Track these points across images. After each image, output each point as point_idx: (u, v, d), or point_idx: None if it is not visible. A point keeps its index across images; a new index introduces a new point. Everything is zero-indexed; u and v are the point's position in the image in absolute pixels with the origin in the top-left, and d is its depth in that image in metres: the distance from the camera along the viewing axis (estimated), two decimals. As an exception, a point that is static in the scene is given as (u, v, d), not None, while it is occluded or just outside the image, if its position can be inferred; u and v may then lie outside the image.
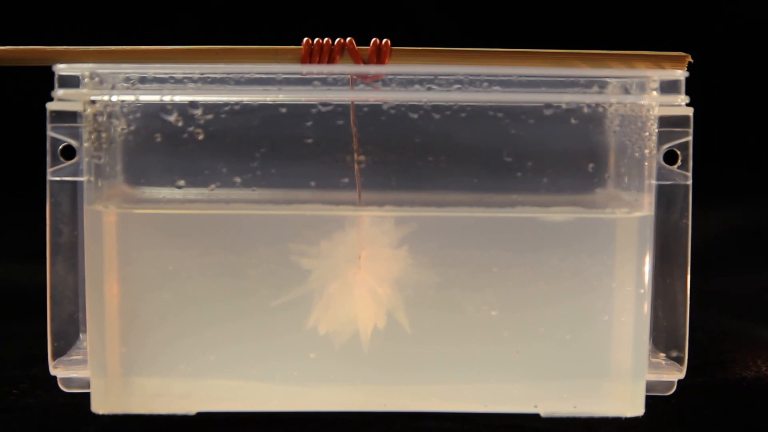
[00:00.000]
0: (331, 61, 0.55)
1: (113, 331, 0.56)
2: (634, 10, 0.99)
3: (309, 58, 0.55)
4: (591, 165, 0.58)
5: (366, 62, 0.55)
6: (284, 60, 0.56)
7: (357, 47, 0.56)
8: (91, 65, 0.56)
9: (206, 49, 0.56)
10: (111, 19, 0.97)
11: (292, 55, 0.56)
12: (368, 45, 0.56)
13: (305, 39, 0.56)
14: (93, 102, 0.56)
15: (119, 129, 0.57)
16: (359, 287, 0.56)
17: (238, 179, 0.57)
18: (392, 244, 0.56)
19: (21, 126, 0.94)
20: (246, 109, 0.57)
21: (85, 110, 0.56)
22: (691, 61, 0.57)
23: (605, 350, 0.57)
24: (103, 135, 0.57)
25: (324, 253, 0.56)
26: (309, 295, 0.56)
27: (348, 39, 0.55)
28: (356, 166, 0.57)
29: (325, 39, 0.55)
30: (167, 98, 0.56)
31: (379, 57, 0.55)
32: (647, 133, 0.57)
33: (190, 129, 0.57)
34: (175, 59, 0.56)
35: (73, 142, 0.58)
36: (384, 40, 0.56)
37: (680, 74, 0.57)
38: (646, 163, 0.57)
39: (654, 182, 0.57)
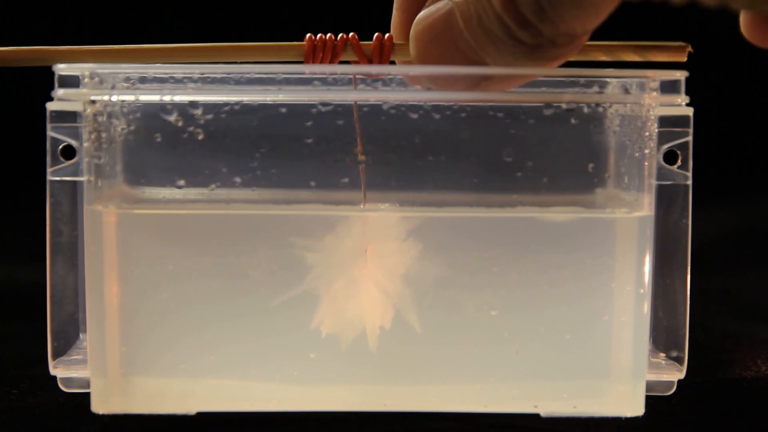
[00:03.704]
0: (334, 57, 0.55)
1: (113, 331, 0.56)
2: (634, 10, 0.99)
3: (312, 54, 0.55)
4: (591, 165, 0.58)
5: (369, 58, 0.55)
6: (287, 56, 0.56)
7: (360, 42, 0.56)
8: (91, 65, 0.56)
9: (208, 46, 0.56)
10: (111, 19, 0.97)
11: (295, 52, 0.56)
12: (371, 40, 0.56)
13: (308, 35, 0.55)
14: (93, 102, 0.56)
15: (119, 129, 0.57)
16: (365, 282, 0.56)
17: (238, 179, 0.57)
18: (399, 237, 0.56)
19: (21, 126, 0.94)
20: (246, 109, 0.57)
21: (85, 110, 0.56)
22: (692, 51, 0.56)
23: (605, 350, 0.57)
24: (103, 135, 0.57)
25: (329, 248, 0.56)
26: (311, 292, 0.56)
27: (351, 34, 0.55)
28: (361, 166, 0.57)
29: (328, 35, 0.55)
30: (167, 98, 0.56)
31: (382, 53, 0.55)
32: (647, 133, 0.57)
33: (190, 129, 0.57)
34: (177, 57, 0.56)
35: (73, 142, 0.58)
36: (387, 35, 0.55)
37: (680, 74, 0.57)
38: (646, 163, 0.57)
39: (654, 182, 0.57)
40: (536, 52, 0.49)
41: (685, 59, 0.56)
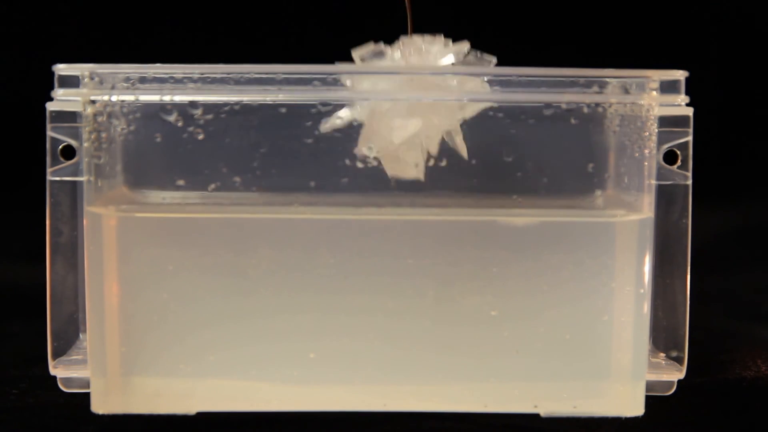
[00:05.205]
0: None
1: (113, 331, 0.56)
2: (634, 10, 0.99)
3: None
4: (591, 165, 0.58)
5: None
6: None
7: None
8: (91, 65, 0.56)
9: None
10: (111, 16, 0.97)
11: None
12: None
13: None
14: (93, 102, 0.56)
15: (119, 129, 0.57)
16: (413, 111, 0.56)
17: (238, 179, 0.57)
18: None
19: (21, 126, 0.94)
20: (246, 109, 0.57)
21: (85, 110, 0.56)
22: None
23: (605, 350, 0.57)
24: (103, 135, 0.57)
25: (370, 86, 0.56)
26: (357, 119, 0.56)
27: None
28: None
29: None
30: (167, 98, 0.56)
31: None
32: (647, 133, 0.57)
33: (190, 129, 0.57)
34: None
35: (73, 142, 0.58)
36: None
37: (680, 74, 0.57)
38: (646, 163, 0.57)
39: (654, 182, 0.57)
40: None
41: None
